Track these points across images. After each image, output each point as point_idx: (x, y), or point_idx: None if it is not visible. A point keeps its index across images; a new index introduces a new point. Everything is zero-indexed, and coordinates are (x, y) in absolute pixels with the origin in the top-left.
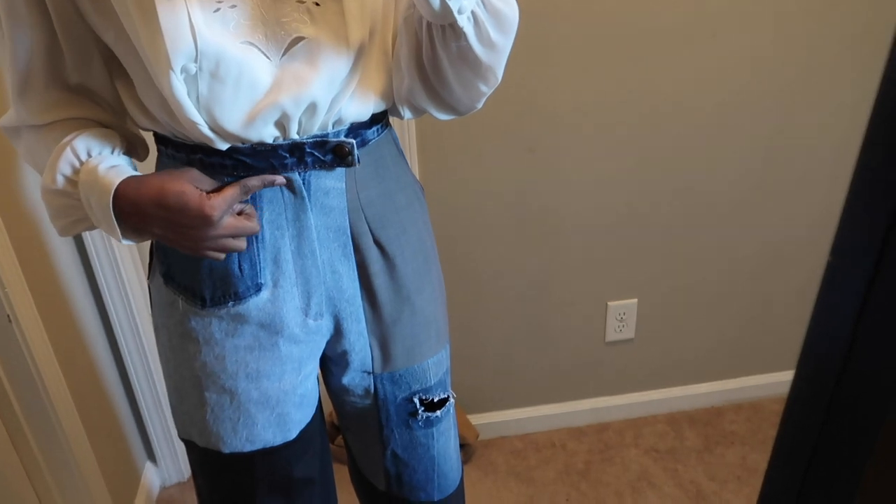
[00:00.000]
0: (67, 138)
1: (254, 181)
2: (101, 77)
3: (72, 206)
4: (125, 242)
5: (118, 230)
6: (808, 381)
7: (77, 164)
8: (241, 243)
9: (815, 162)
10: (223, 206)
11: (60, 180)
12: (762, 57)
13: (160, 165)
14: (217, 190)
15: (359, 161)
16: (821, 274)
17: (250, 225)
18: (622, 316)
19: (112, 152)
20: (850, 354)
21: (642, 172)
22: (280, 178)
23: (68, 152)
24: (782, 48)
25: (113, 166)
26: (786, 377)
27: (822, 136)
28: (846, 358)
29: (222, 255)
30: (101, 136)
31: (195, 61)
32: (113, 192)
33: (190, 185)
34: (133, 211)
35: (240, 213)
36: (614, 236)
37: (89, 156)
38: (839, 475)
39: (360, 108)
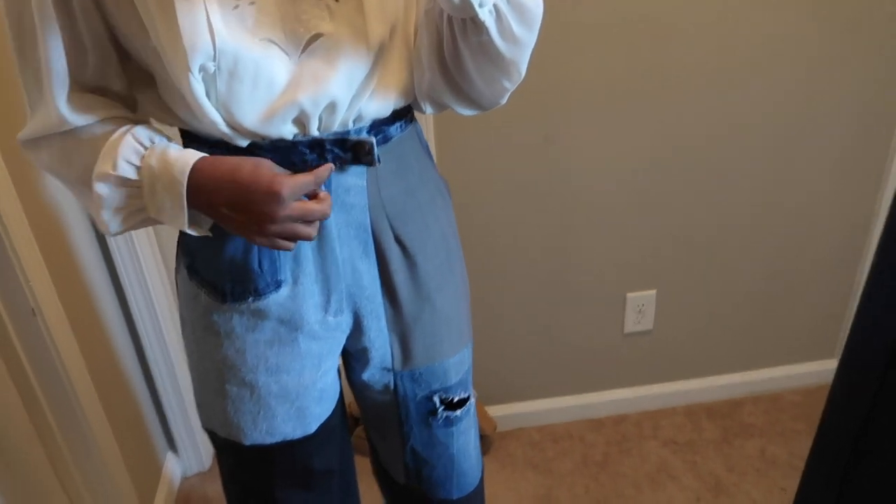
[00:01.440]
0: (123, 129)
1: (324, 172)
2: (118, 80)
3: (129, 194)
4: (188, 231)
5: (185, 213)
6: (854, 371)
7: (142, 149)
8: (311, 230)
9: (841, 144)
10: (293, 186)
11: (123, 166)
12: (784, 38)
13: None
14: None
15: (379, 160)
16: (844, 263)
17: (319, 208)
18: (641, 307)
19: (170, 142)
20: None
21: (660, 162)
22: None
23: (130, 139)
24: (807, 30)
25: (181, 150)
26: (805, 369)
27: (850, 119)
28: (893, 348)
29: (292, 245)
30: (154, 128)
31: (213, 60)
32: (191, 167)
33: (266, 163)
34: (205, 189)
35: (313, 198)
36: (632, 227)
37: (152, 143)
38: (884, 468)
39: (381, 105)
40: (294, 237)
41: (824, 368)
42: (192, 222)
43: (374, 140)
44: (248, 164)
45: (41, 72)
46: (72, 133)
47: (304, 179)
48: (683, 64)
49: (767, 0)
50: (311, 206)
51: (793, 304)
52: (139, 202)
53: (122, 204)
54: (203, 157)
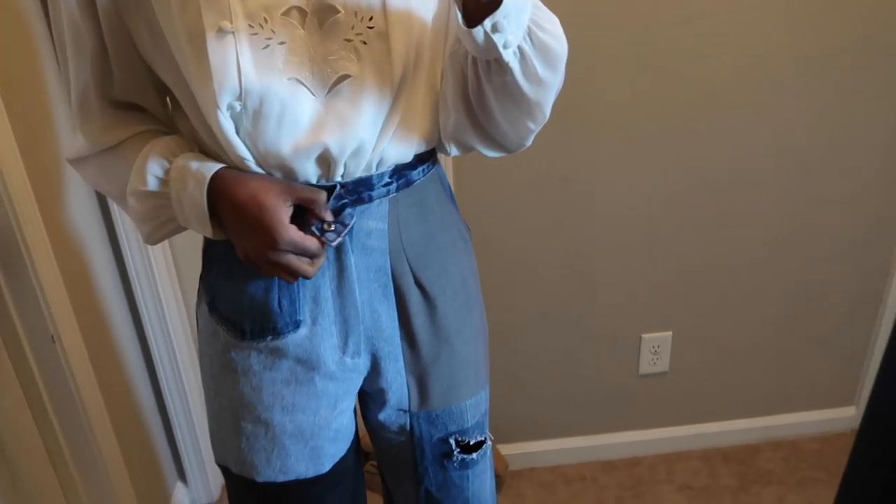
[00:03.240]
0: (150, 144)
1: (320, 251)
2: (154, 101)
3: (161, 206)
4: (215, 237)
5: (209, 223)
6: (880, 418)
7: (166, 164)
8: (308, 267)
9: (863, 186)
10: (291, 241)
11: (152, 181)
12: (804, 63)
13: None
14: (302, 219)
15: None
16: (864, 308)
17: (313, 247)
18: (656, 349)
19: (187, 147)
20: None
21: (676, 203)
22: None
23: (155, 155)
24: (830, 46)
25: (203, 160)
26: (824, 416)
27: (872, 162)
28: None
29: (291, 279)
30: (180, 140)
31: (239, 100)
32: (211, 176)
33: (280, 204)
34: (225, 199)
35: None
36: (649, 268)
37: (174, 156)
38: None
39: (404, 148)
40: (289, 269)
41: (844, 416)
42: (217, 230)
43: (350, 224)
44: (266, 196)
45: (72, 97)
46: (108, 152)
47: (310, 244)
48: (698, 109)
49: (789, 39)
50: (305, 240)
51: (811, 349)
52: (170, 212)
53: (154, 215)
54: (225, 168)
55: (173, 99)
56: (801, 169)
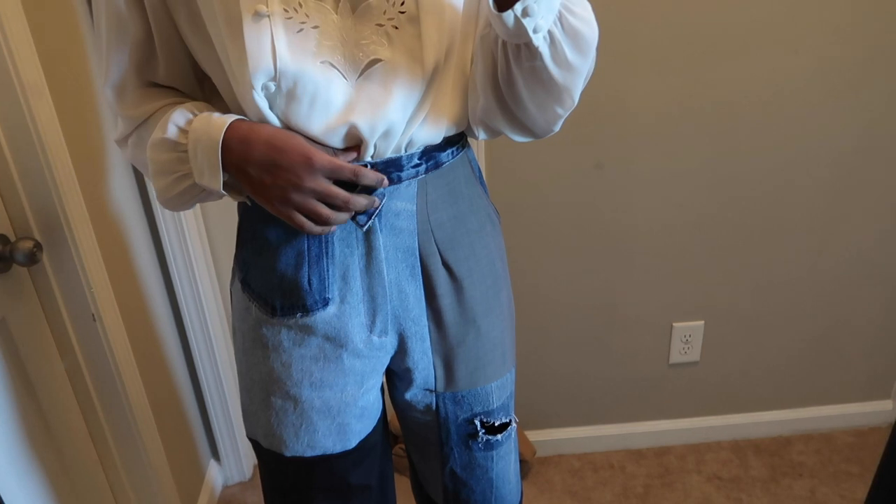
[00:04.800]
0: (186, 103)
1: (368, 173)
2: (192, 86)
3: (177, 159)
4: (222, 192)
5: (220, 171)
6: None
7: (190, 115)
8: (333, 216)
9: None
10: (327, 160)
11: (172, 129)
12: (846, 64)
13: None
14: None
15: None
16: None
17: (344, 195)
18: (687, 338)
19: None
20: None
21: (712, 190)
22: (383, 186)
23: (182, 108)
24: (868, 54)
25: (226, 114)
26: (859, 409)
27: None
28: None
29: (308, 225)
30: (211, 105)
31: (274, 81)
32: (228, 124)
33: (302, 139)
34: (239, 147)
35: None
36: (682, 256)
37: (200, 111)
38: None
39: (433, 131)
40: (313, 215)
41: (879, 409)
42: (228, 186)
43: (380, 203)
44: (286, 131)
45: (109, 83)
46: (143, 123)
47: (341, 163)
48: (738, 90)
49: (834, 23)
50: (337, 190)
51: (847, 341)
52: (185, 167)
53: (169, 169)
54: (241, 119)
55: (210, 85)
56: (841, 158)
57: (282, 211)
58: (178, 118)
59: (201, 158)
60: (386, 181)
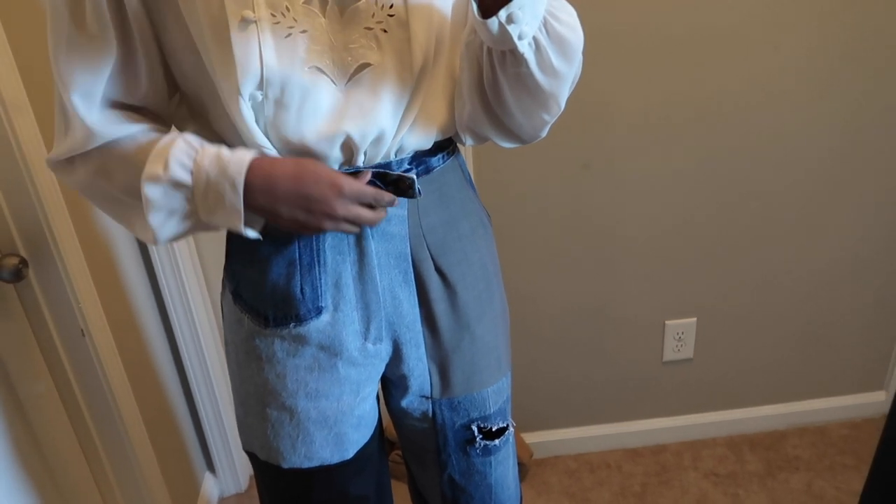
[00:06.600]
0: (173, 134)
1: (385, 196)
2: (163, 104)
3: (181, 197)
4: (248, 232)
5: (242, 213)
6: None
7: (193, 152)
8: (375, 214)
9: (888, 170)
10: (355, 188)
11: (176, 168)
12: (830, 61)
13: None
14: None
15: (420, 193)
16: (892, 294)
17: (372, 216)
18: (680, 335)
19: (221, 145)
20: None
21: (700, 188)
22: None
23: (181, 143)
24: (852, 52)
25: (234, 150)
26: (853, 401)
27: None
28: None
29: (357, 229)
30: (198, 136)
31: (260, 89)
32: (248, 166)
33: (326, 167)
34: (263, 187)
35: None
36: (673, 254)
37: (202, 146)
38: None
39: (423, 136)
40: (357, 220)
41: (873, 401)
42: (248, 222)
43: (414, 176)
44: (308, 161)
45: (76, 88)
46: (112, 145)
47: (366, 188)
48: (724, 89)
49: (817, 19)
50: (366, 213)
51: (839, 334)
52: (191, 206)
53: (173, 207)
54: (259, 157)
55: (181, 102)
56: (828, 154)
57: (327, 229)
58: (180, 154)
59: (213, 200)
60: (397, 201)
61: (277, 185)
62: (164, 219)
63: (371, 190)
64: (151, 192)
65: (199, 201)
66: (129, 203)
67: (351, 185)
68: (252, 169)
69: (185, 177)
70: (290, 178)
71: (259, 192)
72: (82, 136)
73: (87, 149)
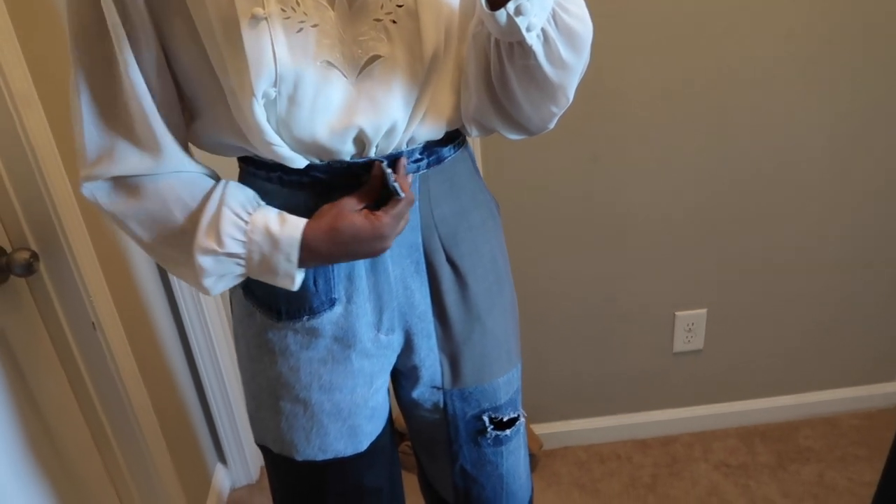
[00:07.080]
0: (216, 195)
1: (410, 197)
2: (178, 112)
3: (234, 264)
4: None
5: (297, 280)
6: None
7: (242, 224)
8: (407, 213)
9: None
10: (393, 224)
11: (229, 242)
12: (838, 44)
13: (243, 182)
14: (384, 204)
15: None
16: None
17: (400, 211)
18: (691, 326)
19: (253, 198)
20: None
21: (709, 180)
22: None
23: (229, 214)
24: (861, 33)
25: (274, 218)
26: (865, 392)
27: None
28: None
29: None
30: (235, 185)
31: (274, 86)
32: (299, 243)
33: (356, 216)
34: (310, 257)
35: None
36: (682, 245)
37: (248, 213)
38: None
39: (434, 127)
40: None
41: (885, 391)
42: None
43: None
44: (342, 222)
45: (131, 104)
46: (175, 176)
47: (400, 210)
48: (734, 80)
49: (837, 7)
50: (399, 207)
51: (851, 324)
52: (243, 269)
53: (224, 272)
54: (305, 228)
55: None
56: (837, 140)
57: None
58: (230, 228)
59: (267, 269)
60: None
61: (327, 249)
62: (216, 281)
63: (399, 209)
64: (206, 262)
65: (251, 268)
66: (174, 257)
67: (391, 228)
68: (302, 241)
69: (239, 249)
70: (337, 241)
71: (309, 260)
72: (140, 159)
73: (148, 172)
